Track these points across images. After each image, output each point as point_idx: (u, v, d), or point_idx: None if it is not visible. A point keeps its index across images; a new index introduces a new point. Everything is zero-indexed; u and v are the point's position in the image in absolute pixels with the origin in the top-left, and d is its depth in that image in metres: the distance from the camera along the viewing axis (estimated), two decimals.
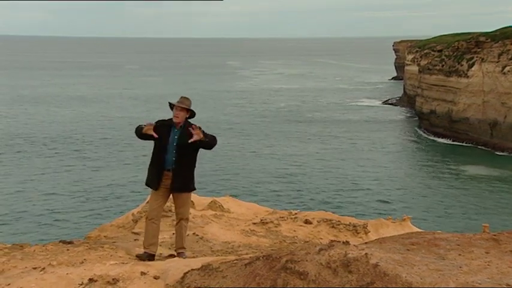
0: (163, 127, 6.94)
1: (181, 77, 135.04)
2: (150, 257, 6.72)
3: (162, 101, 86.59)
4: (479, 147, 56.43)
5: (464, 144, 58.21)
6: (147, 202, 10.21)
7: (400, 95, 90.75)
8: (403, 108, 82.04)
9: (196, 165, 7.03)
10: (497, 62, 57.54)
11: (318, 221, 9.81)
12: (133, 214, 9.90)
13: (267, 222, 9.61)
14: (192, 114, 7.09)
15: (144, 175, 7.26)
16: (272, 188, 40.82)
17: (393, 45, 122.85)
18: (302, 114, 77.14)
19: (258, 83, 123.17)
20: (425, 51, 78.41)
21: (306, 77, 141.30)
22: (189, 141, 6.67)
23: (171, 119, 7.04)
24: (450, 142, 59.46)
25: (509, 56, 56.71)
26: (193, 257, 6.82)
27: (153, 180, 6.93)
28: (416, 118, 71.80)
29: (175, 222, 7.29)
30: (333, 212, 11.56)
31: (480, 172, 46.68)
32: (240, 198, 12.98)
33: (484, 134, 57.85)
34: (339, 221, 9.86)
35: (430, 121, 66.29)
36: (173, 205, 9.86)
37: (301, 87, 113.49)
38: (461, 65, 61.87)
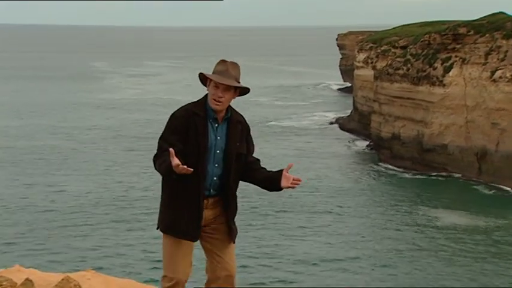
0: (195, 122, 6.09)
1: (18, 83, 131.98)
2: None
3: None
4: (463, 180, 57.63)
5: (442, 178, 59.01)
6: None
7: (350, 112, 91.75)
8: (354, 131, 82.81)
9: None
10: (484, 64, 58.89)
11: None
12: None
13: None
14: (245, 91, 6.33)
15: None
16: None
17: (337, 39, 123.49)
18: None
19: (133, 94, 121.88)
20: (382, 48, 79.95)
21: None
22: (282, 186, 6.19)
23: (201, 105, 6.24)
24: (421, 178, 60.06)
25: (501, 56, 57.99)
26: None
27: (190, 223, 6.09)
28: (372, 145, 72.44)
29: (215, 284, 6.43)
30: None
31: (466, 221, 47.43)
32: (109, 273, 12.04)
33: (468, 169, 58.97)
34: None
35: (393, 150, 67.07)
36: None
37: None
38: (434, 68, 63.18)
